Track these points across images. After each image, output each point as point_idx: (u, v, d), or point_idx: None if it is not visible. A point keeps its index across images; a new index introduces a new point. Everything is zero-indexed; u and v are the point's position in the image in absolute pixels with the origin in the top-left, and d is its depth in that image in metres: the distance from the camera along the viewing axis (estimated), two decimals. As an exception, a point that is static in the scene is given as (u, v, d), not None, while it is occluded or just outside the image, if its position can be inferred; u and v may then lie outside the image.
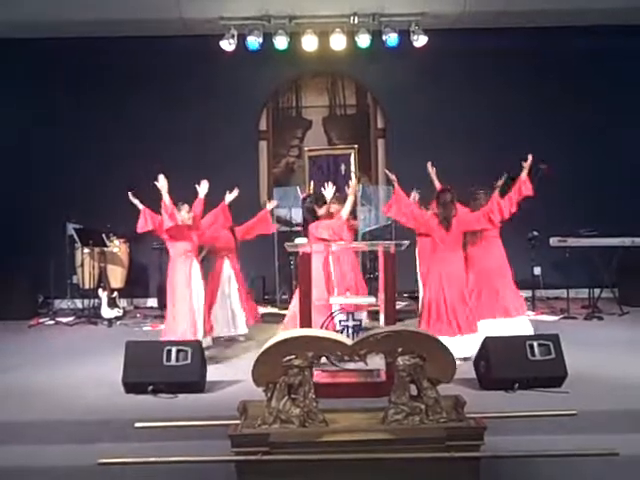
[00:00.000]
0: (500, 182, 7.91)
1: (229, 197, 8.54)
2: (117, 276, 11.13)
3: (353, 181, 8.84)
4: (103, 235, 10.48)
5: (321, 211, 8.70)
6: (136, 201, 7.62)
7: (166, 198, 7.33)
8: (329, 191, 8.64)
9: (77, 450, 5.07)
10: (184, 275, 7.42)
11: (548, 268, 11.07)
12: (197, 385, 6.21)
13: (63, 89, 11.60)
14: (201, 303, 7.51)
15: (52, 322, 10.30)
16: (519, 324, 7.64)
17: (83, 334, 9.56)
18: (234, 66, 11.30)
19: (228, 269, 8.52)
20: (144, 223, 7.53)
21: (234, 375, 6.75)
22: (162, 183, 7.35)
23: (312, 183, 11.47)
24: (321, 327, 6.34)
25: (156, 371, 6.16)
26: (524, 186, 7.66)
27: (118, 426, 5.30)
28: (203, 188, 7.99)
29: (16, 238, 11.18)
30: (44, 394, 6.27)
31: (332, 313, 6.59)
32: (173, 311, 7.38)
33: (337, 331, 6.19)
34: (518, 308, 7.82)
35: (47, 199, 11.30)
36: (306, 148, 12.13)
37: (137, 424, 4.91)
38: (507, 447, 4.76)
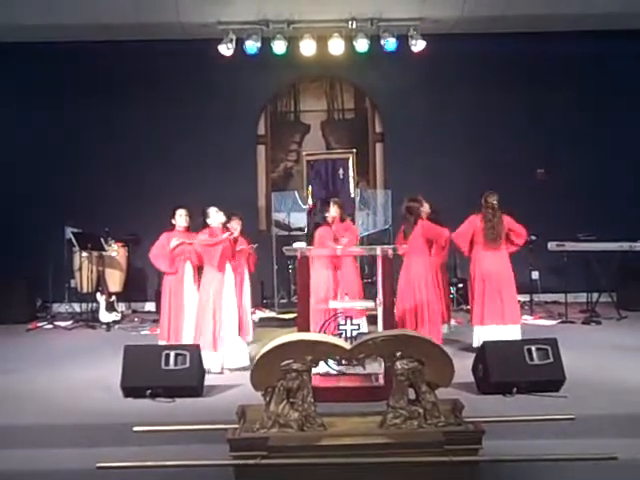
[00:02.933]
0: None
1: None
2: (115, 280, 11.12)
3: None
4: (101, 239, 10.47)
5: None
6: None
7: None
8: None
9: (76, 454, 5.07)
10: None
11: (546, 272, 11.08)
12: (195, 389, 6.20)
13: (62, 92, 11.60)
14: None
15: (50, 326, 10.30)
16: (511, 332, 7.63)
17: (81, 338, 9.55)
18: (232, 70, 11.30)
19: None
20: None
21: (232, 379, 6.75)
22: None
23: (310, 187, 11.48)
24: (319, 330, 6.34)
25: (154, 375, 6.16)
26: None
27: (117, 430, 5.29)
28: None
29: (14, 242, 11.17)
30: (42, 398, 6.26)
31: (331, 316, 6.58)
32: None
33: (335, 335, 6.19)
34: (514, 316, 7.80)
35: (45, 203, 11.29)
36: (304, 152, 12.13)
37: (135, 428, 4.90)
38: (505, 451, 4.76)
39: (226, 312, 7.19)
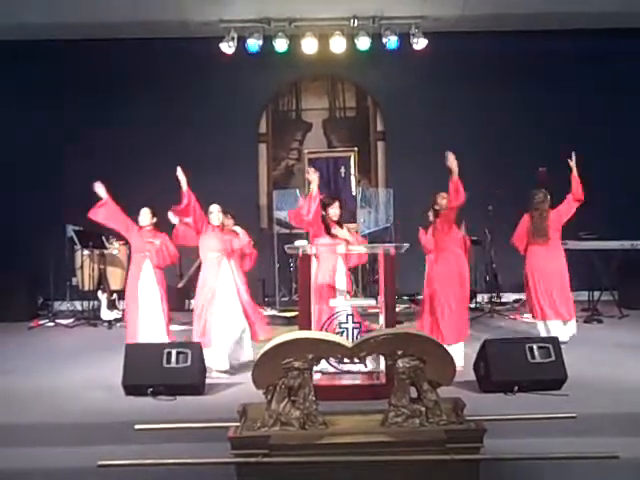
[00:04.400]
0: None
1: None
2: (117, 278, 11.08)
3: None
4: (103, 237, 10.46)
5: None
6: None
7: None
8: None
9: (77, 452, 5.08)
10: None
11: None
12: (197, 387, 6.22)
13: (63, 91, 11.59)
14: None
15: (52, 324, 10.31)
16: (569, 327, 7.83)
17: (83, 336, 9.56)
18: (234, 68, 11.29)
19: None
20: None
21: (234, 377, 6.76)
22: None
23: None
24: (321, 329, 6.34)
25: (156, 373, 6.17)
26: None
27: (118, 428, 5.31)
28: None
29: (16, 240, 11.17)
30: (44, 396, 6.27)
31: (332, 315, 6.58)
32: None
33: (337, 333, 6.20)
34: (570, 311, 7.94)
35: (47, 200, 11.28)
36: (306, 150, 12.13)
37: (137, 426, 4.91)
38: (507, 450, 4.77)
39: (222, 309, 7.17)
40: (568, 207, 8.19)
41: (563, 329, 7.80)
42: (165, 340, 7.18)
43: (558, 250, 8.08)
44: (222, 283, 7.24)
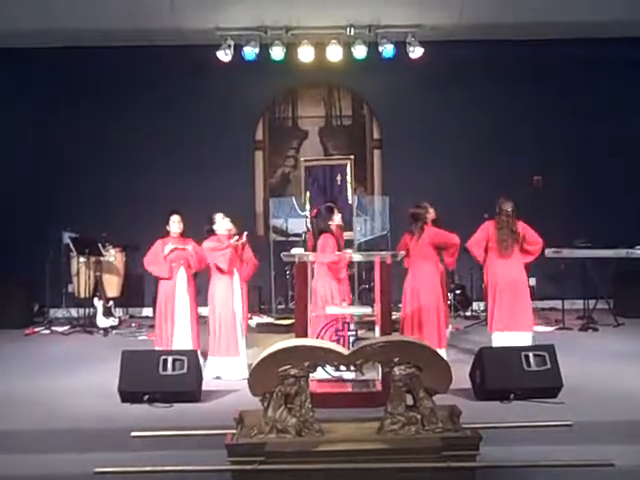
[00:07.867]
0: None
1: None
2: (113, 285, 11.11)
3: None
4: (99, 244, 10.47)
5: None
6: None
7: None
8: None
9: (73, 459, 5.06)
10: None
11: (543, 279, 11.08)
12: (193, 394, 6.20)
13: (60, 98, 11.59)
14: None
15: (47, 331, 10.28)
16: (522, 339, 7.57)
17: (79, 343, 9.53)
18: (230, 76, 11.31)
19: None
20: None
21: (230, 384, 6.76)
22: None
23: (308, 193, 11.50)
24: (317, 337, 6.35)
25: (152, 380, 6.15)
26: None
27: (114, 435, 5.29)
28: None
29: (12, 246, 11.16)
30: (39, 403, 6.25)
31: (328, 323, 6.59)
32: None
33: (333, 341, 6.20)
34: (527, 323, 7.74)
35: (43, 207, 11.28)
36: (302, 158, 12.14)
37: (133, 433, 4.91)
38: (503, 457, 4.77)
39: (238, 317, 7.27)
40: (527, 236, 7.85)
41: (515, 340, 7.47)
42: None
43: (518, 261, 7.73)
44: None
